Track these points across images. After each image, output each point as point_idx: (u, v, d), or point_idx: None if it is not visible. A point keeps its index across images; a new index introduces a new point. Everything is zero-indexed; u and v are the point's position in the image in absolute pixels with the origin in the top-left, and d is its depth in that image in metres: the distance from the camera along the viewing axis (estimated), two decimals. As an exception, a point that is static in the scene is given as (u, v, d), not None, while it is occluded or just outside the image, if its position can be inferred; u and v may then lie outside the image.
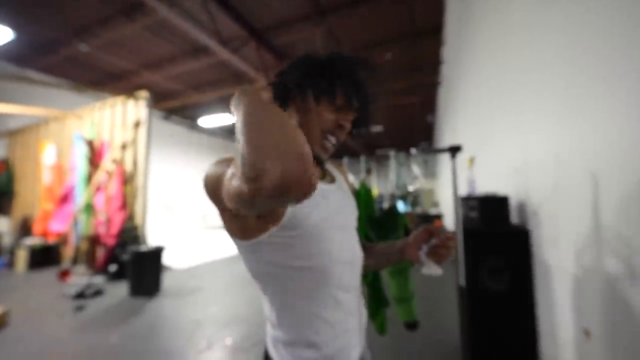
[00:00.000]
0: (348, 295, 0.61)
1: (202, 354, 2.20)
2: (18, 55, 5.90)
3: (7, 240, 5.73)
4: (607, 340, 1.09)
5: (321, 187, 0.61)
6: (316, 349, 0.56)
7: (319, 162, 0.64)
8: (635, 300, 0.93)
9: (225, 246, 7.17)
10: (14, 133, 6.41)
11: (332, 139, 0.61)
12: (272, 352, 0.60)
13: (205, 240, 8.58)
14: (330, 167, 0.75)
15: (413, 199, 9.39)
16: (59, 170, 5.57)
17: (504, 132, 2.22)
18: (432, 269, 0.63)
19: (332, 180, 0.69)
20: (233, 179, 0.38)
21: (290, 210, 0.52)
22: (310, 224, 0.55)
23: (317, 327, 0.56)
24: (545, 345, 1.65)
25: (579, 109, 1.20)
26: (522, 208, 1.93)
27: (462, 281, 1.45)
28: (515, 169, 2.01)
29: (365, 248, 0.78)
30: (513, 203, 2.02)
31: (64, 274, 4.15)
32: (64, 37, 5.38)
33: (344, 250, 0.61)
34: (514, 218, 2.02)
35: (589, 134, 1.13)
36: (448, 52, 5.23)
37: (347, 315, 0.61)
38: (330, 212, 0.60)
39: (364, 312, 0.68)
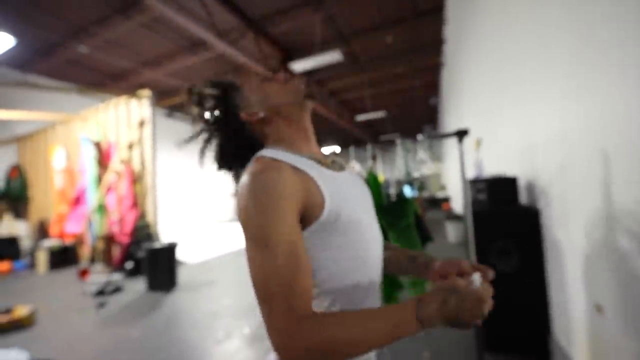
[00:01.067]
0: (377, 281, 0.60)
1: (221, 343, 2.28)
2: (20, 60, 5.93)
3: (27, 243, 5.92)
4: (619, 314, 1.10)
5: (340, 175, 0.61)
6: None
7: (309, 96, 0.65)
8: (647, 276, 0.93)
9: (235, 239, 7.29)
10: (22, 139, 6.52)
11: (296, 85, 0.65)
12: None
13: (216, 234, 8.72)
14: (333, 155, 0.73)
15: (420, 183, 9.35)
16: (70, 173, 5.68)
17: (510, 112, 2.18)
18: None
19: (341, 167, 0.67)
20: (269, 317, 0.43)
21: (329, 205, 0.52)
22: (349, 210, 0.54)
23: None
24: (557, 320, 1.66)
25: (586, 84, 1.17)
26: (530, 188, 1.92)
27: (473, 262, 1.46)
28: (523, 149, 1.99)
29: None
30: (522, 183, 2.01)
31: (84, 273, 4.29)
32: (63, 40, 5.38)
33: (374, 235, 0.61)
34: (523, 198, 2.01)
35: (597, 110, 1.11)
36: (450, 31, 5.09)
37: (375, 301, 0.60)
38: (358, 198, 0.60)
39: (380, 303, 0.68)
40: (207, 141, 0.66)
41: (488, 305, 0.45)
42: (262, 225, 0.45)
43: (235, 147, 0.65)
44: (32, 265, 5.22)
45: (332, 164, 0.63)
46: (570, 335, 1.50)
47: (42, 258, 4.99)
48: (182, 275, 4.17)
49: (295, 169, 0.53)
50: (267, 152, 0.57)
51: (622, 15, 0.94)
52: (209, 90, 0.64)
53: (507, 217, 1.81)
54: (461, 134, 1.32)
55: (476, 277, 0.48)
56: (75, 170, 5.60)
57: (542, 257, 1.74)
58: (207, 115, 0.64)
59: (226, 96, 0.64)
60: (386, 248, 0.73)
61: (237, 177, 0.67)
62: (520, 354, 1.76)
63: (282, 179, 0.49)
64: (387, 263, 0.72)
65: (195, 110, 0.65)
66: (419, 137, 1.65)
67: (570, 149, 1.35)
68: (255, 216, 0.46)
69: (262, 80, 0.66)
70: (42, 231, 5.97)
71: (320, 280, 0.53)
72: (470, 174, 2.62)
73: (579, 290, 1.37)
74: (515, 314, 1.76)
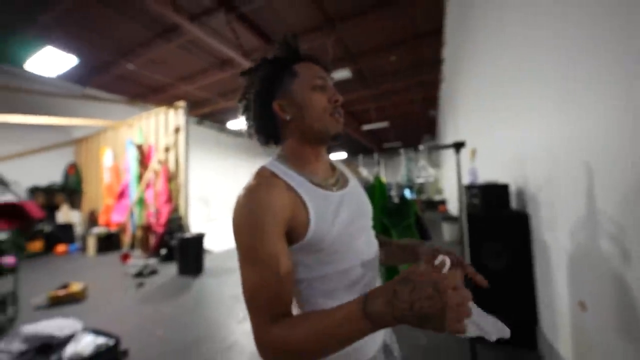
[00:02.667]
0: (367, 289, 0.55)
1: (241, 323, 2.32)
2: (79, 75, 6.19)
3: (79, 230, 6.16)
4: (600, 311, 1.07)
5: (337, 194, 0.56)
6: None
7: (334, 138, 0.56)
8: (626, 277, 0.91)
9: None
10: (79, 141, 6.79)
11: (338, 112, 0.56)
12: None
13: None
14: (340, 166, 0.67)
15: (419, 186, 9.23)
16: (116, 171, 5.88)
17: (503, 125, 2.14)
18: None
19: (345, 182, 0.62)
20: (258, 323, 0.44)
21: (313, 230, 0.49)
22: (332, 237, 0.50)
23: None
24: (543, 315, 1.62)
25: (572, 102, 1.15)
26: (521, 195, 1.88)
27: (467, 262, 1.44)
28: (514, 159, 1.95)
29: (380, 244, 0.70)
30: (512, 190, 1.97)
31: (125, 257, 4.42)
32: (114, 58, 5.60)
33: (365, 251, 0.56)
34: (514, 204, 1.97)
35: (583, 126, 1.09)
36: (448, 51, 5.02)
37: None
38: (350, 218, 0.54)
39: None
40: (245, 108, 0.60)
41: (452, 295, 0.33)
42: (250, 246, 0.46)
43: (260, 124, 0.58)
44: (83, 249, 5.42)
45: (334, 183, 0.58)
46: (555, 329, 1.47)
47: (92, 243, 5.17)
48: (208, 262, 4.25)
49: (290, 188, 0.51)
50: (271, 165, 0.55)
51: (604, 41, 0.93)
52: (263, 62, 0.57)
53: (498, 221, 1.78)
54: (458, 146, 1.31)
55: (447, 262, 0.38)
56: (120, 169, 5.80)
57: (531, 258, 1.71)
58: (250, 82, 0.58)
59: (275, 76, 0.56)
60: (385, 244, 0.70)
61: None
62: (510, 345, 1.72)
63: (271, 197, 0.48)
64: (387, 257, 0.69)
65: (249, 75, 0.58)
66: (421, 147, 1.64)
67: (557, 160, 1.32)
68: (245, 237, 0.46)
69: (315, 88, 0.55)
70: (92, 220, 6.20)
71: (305, 294, 0.52)
72: (466, 180, 2.58)
73: (564, 288, 1.34)
74: (506, 309, 1.73)
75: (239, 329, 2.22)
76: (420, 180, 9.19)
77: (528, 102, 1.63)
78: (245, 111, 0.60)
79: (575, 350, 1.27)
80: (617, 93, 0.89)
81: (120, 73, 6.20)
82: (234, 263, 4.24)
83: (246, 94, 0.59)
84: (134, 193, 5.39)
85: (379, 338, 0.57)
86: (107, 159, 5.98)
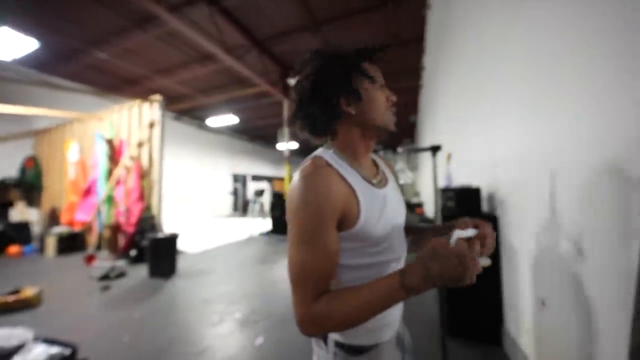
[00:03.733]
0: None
1: (215, 326, 2.24)
2: (43, 63, 5.74)
3: (37, 229, 5.67)
4: (558, 308, 1.15)
5: (382, 192, 0.59)
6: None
7: (390, 133, 0.61)
8: (580, 275, 0.98)
9: (230, 232, 7.18)
10: (40, 133, 6.27)
11: (392, 110, 0.61)
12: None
13: (214, 227, 8.58)
14: (381, 163, 0.70)
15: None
16: (82, 166, 5.49)
17: (477, 132, 2.25)
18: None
19: (386, 180, 0.65)
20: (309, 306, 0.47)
21: (362, 223, 0.52)
22: (377, 232, 0.54)
23: None
24: (508, 312, 1.71)
25: (539, 113, 1.23)
26: (491, 198, 1.98)
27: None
28: (487, 164, 2.05)
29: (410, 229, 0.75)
30: (484, 194, 2.07)
31: (90, 258, 4.13)
32: (84, 46, 5.25)
33: (398, 246, 0.60)
34: (485, 207, 2.07)
35: (547, 134, 1.17)
36: (428, 60, 5.22)
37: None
38: (391, 216, 0.58)
39: None
40: (300, 102, 0.59)
41: (470, 260, 0.42)
42: (307, 229, 0.48)
43: (318, 118, 0.58)
44: (41, 250, 4.99)
45: (378, 182, 0.61)
46: (518, 325, 1.55)
47: (51, 243, 4.78)
48: (181, 264, 4.08)
49: (344, 179, 0.53)
50: (325, 155, 0.56)
51: (566, 58, 1.00)
52: (334, 57, 0.58)
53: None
54: (435, 149, 1.35)
55: (454, 235, 0.46)
56: (87, 164, 5.43)
57: (499, 258, 1.80)
58: (312, 77, 0.57)
59: (344, 73, 0.57)
60: (411, 232, 0.72)
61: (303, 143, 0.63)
62: (477, 340, 1.80)
63: (329, 185, 0.50)
64: (412, 245, 0.72)
65: (309, 67, 0.58)
66: (399, 149, 1.68)
67: (525, 166, 1.40)
68: (303, 217, 0.49)
69: (381, 87, 0.60)
70: (53, 218, 5.74)
71: (344, 279, 0.55)
72: (442, 183, 2.68)
73: (527, 287, 1.42)
74: (475, 306, 1.81)
75: (212, 332, 2.15)
76: (401, 182, 9.47)
77: (499, 110, 1.72)
78: (300, 104, 0.59)
79: (535, 345, 1.35)
80: (580, 106, 0.97)
81: (90, 62, 5.83)
82: (209, 264, 4.15)
83: (303, 86, 0.58)
84: (102, 190, 5.06)
85: (394, 325, 0.62)
86: (72, 153, 5.57)
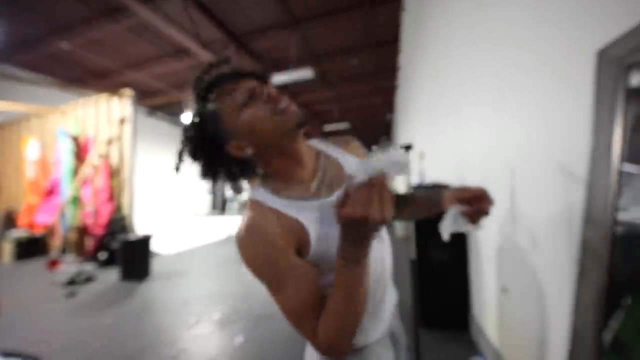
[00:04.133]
0: (381, 305, 0.59)
1: (192, 328, 2.19)
2: (-7, 50, 5.20)
3: (-10, 234, 5.17)
4: (517, 294, 1.25)
5: (325, 201, 0.52)
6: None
7: (299, 126, 0.52)
8: (535, 264, 1.08)
9: (208, 232, 6.99)
10: (-9, 128, 5.71)
11: (279, 106, 0.51)
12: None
13: (190, 227, 8.29)
14: (332, 152, 0.62)
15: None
16: (43, 165, 5.07)
17: (446, 130, 2.36)
18: (460, 226, 0.55)
19: (338, 178, 0.57)
20: (311, 331, 0.46)
21: (313, 250, 0.49)
22: (333, 253, 0.46)
23: None
24: (475, 300, 1.83)
25: (500, 114, 1.32)
26: (460, 194, 2.09)
27: (413, 255, 1.56)
28: (456, 161, 2.17)
29: (404, 200, 0.72)
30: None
31: (53, 263, 3.85)
32: (44, 35, 4.82)
33: (373, 266, 0.53)
34: (454, 202, 2.18)
35: (506, 134, 1.26)
36: (404, 59, 5.37)
37: (374, 295, 0.57)
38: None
39: (393, 293, 0.67)
40: (194, 157, 0.56)
41: (376, 209, 0.37)
42: (272, 279, 0.48)
43: (222, 170, 0.56)
44: (-4, 256, 4.57)
45: (325, 189, 0.54)
46: (483, 311, 1.67)
47: (7, 248, 4.39)
48: (156, 265, 3.92)
49: (284, 215, 0.50)
50: (257, 194, 0.53)
51: (528, 64, 1.09)
52: (189, 123, 0.54)
53: (441, 216, 1.96)
54: (407, 148, 1.40)
55: (448, 213, 0.49)
56: (49, 162, 5.02)
57: (467, 251, 1.91)
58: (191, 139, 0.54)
59: (207, 129, 0.52)
60: (410, 204, 0.72)
61: (218, 183, 0.59)
62: (447, 328, 1.91)
63: (270, 229, 0.49)
64: (411, 214, 0.74)
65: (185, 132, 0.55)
66: (373, 147, 1.72)
67: (487, 162, 1.50)
68: (263, 273, 0.48)
69: (244, 106, 0.50)
70: (9, 221, 5.25)
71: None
72: (415, 180, 2.79)
73: (491, 276, 1.53)
74: (446, 296, 1.92)
75: (188, 335, 2.09)
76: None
77: (466, 110, 1.82)
78: (206, 176, 0.56)
79: (498, 329, 1.46)
80: (536, 109, 1.05)
81: (51, 52, 5.37)
82: (185, 265, 4.02)
83: (197, 161, 0.56)
84: (66, 190, 4.72)
85: (382, 323, 0.60)
86: (31, 150, 5.13)
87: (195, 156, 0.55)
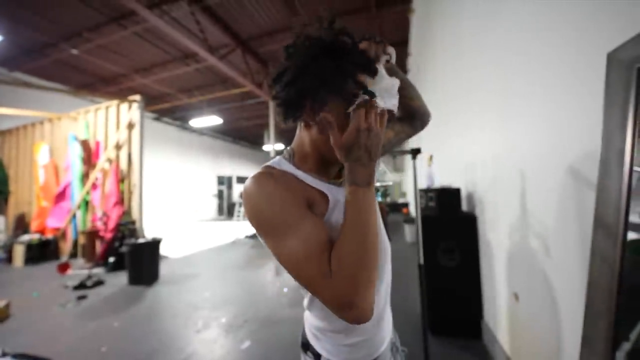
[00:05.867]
0: (379, 281, 0.55)
1: (199, 333, 2.22)
2: (7, 58, 5.45)
3: (2, 238, 5.36)
4: (529, 301, 1.24)
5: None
6: (355, 334, 0.54)
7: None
8: (547, 270, 1.07)
9: (215, 236, 7.07)
10: (5, 133, 5.94)
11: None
12: (312, 341, 0.57)
13: (198, 231, 8.41)
14: None
15: (384, 190, 9.65)
16: (54, 169, 5.25)
17: (457, 134, 2.36)
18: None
19: None
20: (319, 284, 0.41)
21: (327, 216, 0.48)
22: None
23: None
24: (487, 308, 1.81)
25: (511, 120, 1.32)
26: (470, 198, 2.08)
27: (421, 260, 1.56)
28: (465, 165, 2.16)
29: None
30: (464, 194, 2.17)
31: (64, 267, 3.96)
32: (54, 41, 5.02)
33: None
34: (465, 206, 2.18)
35: (518, 140, 1.26)
36: (412, 62, 5.38)
37: (379, 300, 0.55)
38: None
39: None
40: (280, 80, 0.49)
41: (370, 123, 0.43)
42: (277, 223, 0.43)
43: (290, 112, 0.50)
44: (8, 260, 4.73)
45: (342, 182, 0.54)
46: (496, 320, 1.65)
47: (19, 252, 4.54)
48: (164, 269, 3.99)
49: (302, 181, 0.50)
50: (275, 163, 0.53)
51: (537, 68, 1.09)
52: (330, 52, 0.46)
53: (451, 222, 1.96)
54: (415, 152, 1.42)
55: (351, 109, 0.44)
56: (60, 167, 5.20)
57: (478, 255, 1.90)
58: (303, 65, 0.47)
59: (331, 77, 0.45)
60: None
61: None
62: (458, 336, 1.89)
63: (285, 180, 0.48)
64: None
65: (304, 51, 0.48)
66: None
67: (499, 167, 1.50)
68: (270, 212, 0.44)
69: (349, 103, 0.46)
70: (22, 225, 5.44)
71: None
72: (424, 184, 2.78)
73: (503, 282, 1.51)
74: (456, 303, 1.90)
75: (197, 338, 2.13)
76: (377, 185, 9.67)
77: (476, 114, 1.82)
78: (280, 81, 0.50)
79: (510, 336, 1.44)
80: (547, 114, 1.05)
81: (61, 58, 5.59)
82: (194, 269, 4.08)
83: (289, 68, 0.48)
84: (76, 195, 4.86)
85: (387, 335, 0.59)
86: (42, 155, 5.32)
87: (294, 74, 0.47)
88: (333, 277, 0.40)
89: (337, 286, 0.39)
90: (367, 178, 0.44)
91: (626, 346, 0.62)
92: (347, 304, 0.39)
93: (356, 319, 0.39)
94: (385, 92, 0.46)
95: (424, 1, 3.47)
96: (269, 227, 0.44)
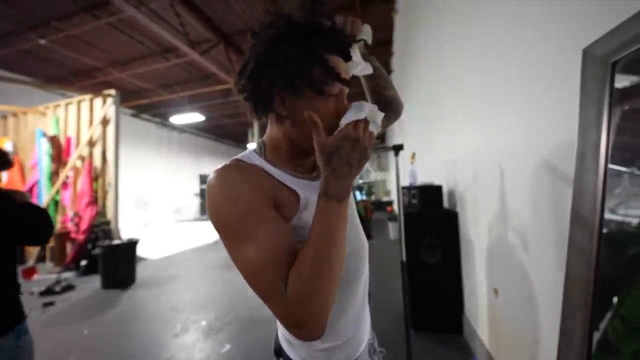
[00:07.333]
0: (357, 282, 0.53)
1: (178, 337, 2.12)
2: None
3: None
4: (508, 296, 1.26)
5: (316, 184, 0.50)
6: (331, 339, 0.51)
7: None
8: (526, 265, 1.08)
9: (196, 236, 6.87)
10: (-37, 129, 5.47)
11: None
12: (286, 347, 0.54)
13: (178, 231, 8.13)
14: None
15: (368, 188, 9.74)
16: (19, 168, 4.88)
17: (439, 133, 2.39)
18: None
19: None
20: (277, 298, 0.38)
21: (297, 217, 0.46)
22: None
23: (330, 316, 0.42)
24: (467, 304, 1.84)
25: (489, 117, 1.34)
26: (451, 194, 2.11)
27: (404, 257, 1.56)
28: (447, 162, 2.19)
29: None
30: (445, 191, 2.20)
31: (29, 272, 3.69)
32: (18, 30, 4.67)
33: (350, 240, 0.50)
34: (447, 203, 2.21)
35: (497, 137, 1.28)
36: (396, 62, 5.43)
37: (356, 301, 0.53)
38: None
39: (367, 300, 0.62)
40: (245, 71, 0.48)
41: (360, 134, 0.39)
42: (237, 218, 0.40)
43: (258, 102, 0.48)
44: (-33, 265, 4.35)
45: (315, 176, 0.52)
46: (476, 315, 1.67)
47: (-19, 256, 4.18)
48: (143, 271, 3.81)
49: (270, 176, 0.47)
50: (245, 156, 0.49)
51: (516, 66, 1.10)
52: (295, 32, 0.44)
53: (433, 218, 1.97)
54: (397, 148, 1.41)
55: (342, 121, 0.42)
56: (26, 165, 4.84)
57: (459, 251, 1.93)
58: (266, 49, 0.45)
59: (304, 62, 0.43)
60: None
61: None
62: (439, 331, 1.91)
63: (251, 175, 0.44)
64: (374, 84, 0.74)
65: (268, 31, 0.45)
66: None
67: (479, 164, 1.52)
68: (229, 211, 0.41)
69: (319, 92, 0.44)
70: (-17, 228, 5.02)
71: None
72: (407, 181, 2.80)
73: (483, 277, 1.54)
74: (437, 299, 1.92)
75: (175, 343, 2.03)
76: (360, 182, 9.71)
77: (457, 112, 1.84)
78: (246, 79, 0.47)
79: (490, 331, 1.47)
80: (524, 113, 1.06)
81: (27, 48, 5.20)
82: (173, 271, 3.92)
83: (253, 54, 0.46)
84: (44, 194, 4.55)
85: (365, 336, 0.57)
86: (7, 152, 4.93)
87: (258, 60, 0.45)
88: (288, 292, 0.37)
89: (289, 304, 0.37)
90: (341, 193, 0.40)
91: (596, 336, 0.63)
92: (297, 323, 0.37)
93: (305, 337, 0.38)
94: (371, 120, 0.43)
95: (408, 2, 3.50)
96: (228, 230, 0.41)
